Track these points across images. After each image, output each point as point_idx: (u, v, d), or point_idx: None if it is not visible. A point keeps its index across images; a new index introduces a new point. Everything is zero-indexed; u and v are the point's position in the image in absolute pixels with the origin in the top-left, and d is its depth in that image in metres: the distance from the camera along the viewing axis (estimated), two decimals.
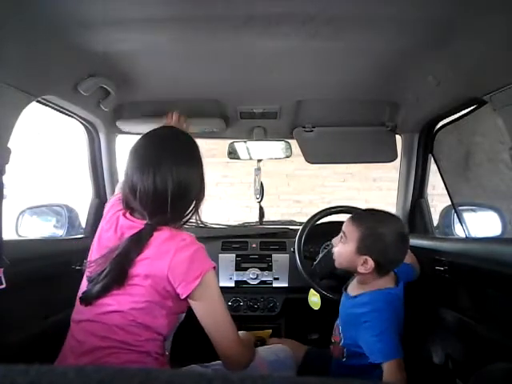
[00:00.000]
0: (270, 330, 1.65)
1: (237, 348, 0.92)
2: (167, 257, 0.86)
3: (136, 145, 0.93)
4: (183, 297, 0.87)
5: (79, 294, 0.92)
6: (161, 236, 0.88)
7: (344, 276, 1.52)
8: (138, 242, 0.87)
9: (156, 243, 0.87)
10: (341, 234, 1.14)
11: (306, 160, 1.75)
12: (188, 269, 0.86)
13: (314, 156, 1.77)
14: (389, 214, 1.15)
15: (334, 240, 1.16)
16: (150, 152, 0.91)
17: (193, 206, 0.96)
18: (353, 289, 1.18)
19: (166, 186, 0.87)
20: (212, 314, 0.90)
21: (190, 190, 0.93)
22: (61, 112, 1.38)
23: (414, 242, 1.38)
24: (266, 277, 1.75)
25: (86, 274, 0.92)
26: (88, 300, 0.88)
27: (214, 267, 0.91)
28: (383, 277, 1.11)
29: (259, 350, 1.14)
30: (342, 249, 1.11)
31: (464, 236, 1.47)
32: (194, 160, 0.95)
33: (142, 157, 0.90)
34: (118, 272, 0.85)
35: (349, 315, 1.14)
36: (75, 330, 0.91)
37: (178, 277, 0.86)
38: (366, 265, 1.06)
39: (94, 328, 0.87)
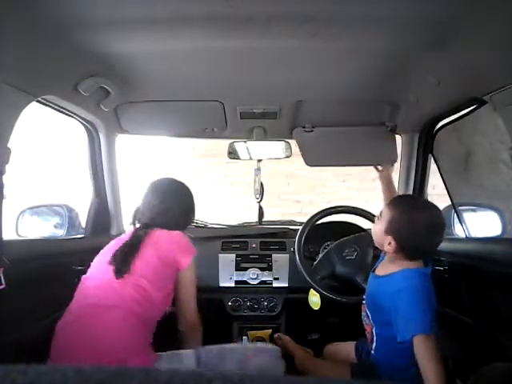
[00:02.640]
0: (270, 330, 1.66)
1: (193, 312, 1.28)
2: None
3: (156, 184, 1.41)
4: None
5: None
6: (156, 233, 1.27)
7: (344, 276, 1.52)
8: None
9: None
10: (378, 214, 1.19)
11: (306, 163, 1.74)
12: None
13: (313, 158, 1.76)
14: (428, 202, 1.18)
15: (376, 218, 1.21)
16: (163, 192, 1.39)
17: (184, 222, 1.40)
18: (382, 269, 1.19)
19: (172, 206, 1.35)
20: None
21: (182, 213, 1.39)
22: (61, 112, 1.38)
23: None
24: (266, 277, 1.75)
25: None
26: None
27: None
28: (413, 261, 1.11)
29: (248, 346, 1.23)
30: (375, 227, 1.17)
31: (464, 236, 1.47)
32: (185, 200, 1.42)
33: (162, 192, 1.38)
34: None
35: (380, 294, 1.13)
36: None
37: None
38: (390, 244, 1.09)
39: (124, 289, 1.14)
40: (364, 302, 1.23)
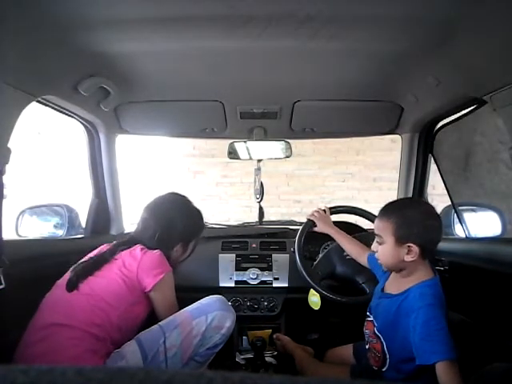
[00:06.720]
0: (270, 330, 1.65)
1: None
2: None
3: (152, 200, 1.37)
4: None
5: None
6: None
7: (344, 276, 1.52)
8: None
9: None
10: (376, 238, 1.11)
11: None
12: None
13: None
14: (408, 199, 1.15)
15: (373, 246, 1.13)
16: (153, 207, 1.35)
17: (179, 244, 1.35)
18: (394, 287, 1.12)
19: (173, 225, 1.31)
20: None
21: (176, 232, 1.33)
22: (61, 112, 1.38)
23: None
24: (266, 277, 1.75)
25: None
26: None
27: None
28: (425, 262, 1.07)
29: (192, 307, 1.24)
30: (383, 249, 1.09)
31: (464, 236, 1.47)
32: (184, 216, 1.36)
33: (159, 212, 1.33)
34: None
35: (398, 313, 1.05)
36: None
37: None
38: (412, 252, 1.02)
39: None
40: (370, 319, 1.16)
